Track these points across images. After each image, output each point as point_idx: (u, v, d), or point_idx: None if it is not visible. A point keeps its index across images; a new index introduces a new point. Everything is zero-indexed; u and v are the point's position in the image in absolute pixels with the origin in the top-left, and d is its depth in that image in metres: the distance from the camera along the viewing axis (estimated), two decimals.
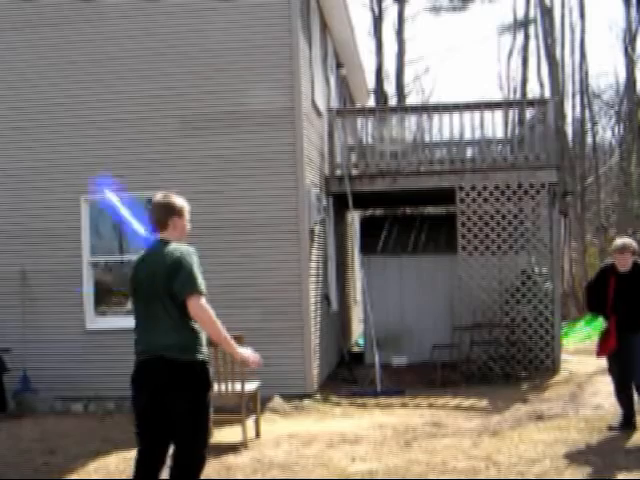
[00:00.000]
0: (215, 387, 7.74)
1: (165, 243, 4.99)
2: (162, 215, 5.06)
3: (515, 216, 12.27)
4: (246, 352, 5.09)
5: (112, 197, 5.57)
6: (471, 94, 58.69)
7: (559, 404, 9.53)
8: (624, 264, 7.63)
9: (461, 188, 12.31)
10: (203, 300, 4.80)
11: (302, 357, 10.30)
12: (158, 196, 5.22)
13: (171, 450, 5.02)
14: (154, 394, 4.99)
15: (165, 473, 5.06)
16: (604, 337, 7.81)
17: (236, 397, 7.79)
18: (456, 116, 12.83)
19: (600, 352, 7.90)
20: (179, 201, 5.17)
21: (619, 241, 7.83)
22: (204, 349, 4.95)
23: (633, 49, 23.67)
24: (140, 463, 5.13)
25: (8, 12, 10.95)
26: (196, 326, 4.88)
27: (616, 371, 7.79)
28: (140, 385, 5.14)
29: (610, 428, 7.71)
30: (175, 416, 4.90)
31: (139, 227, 5.45)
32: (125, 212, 5.57)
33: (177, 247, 4.94)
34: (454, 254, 12.35)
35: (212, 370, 7.67)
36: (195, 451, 4.95)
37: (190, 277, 4.81)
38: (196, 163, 10.46)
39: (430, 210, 21.20)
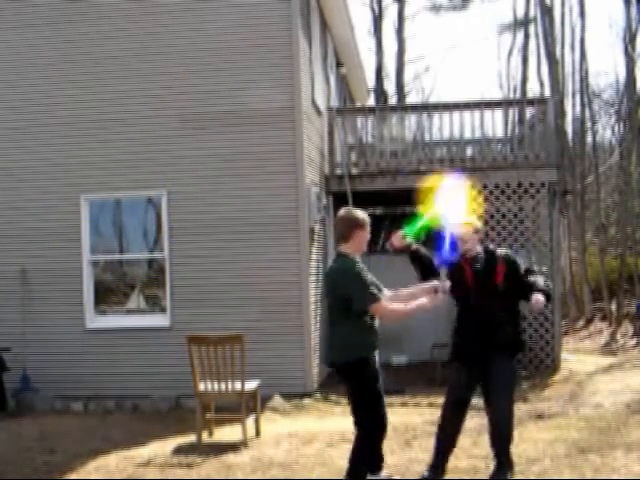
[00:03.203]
0: (215, 386, 7.76)
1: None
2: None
3: (515, 215, 12.27)
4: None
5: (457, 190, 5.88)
6: (471, 93, 58.71)
7: (559, 403, 9.52)
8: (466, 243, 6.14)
9: None
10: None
11: (302, 356, 10.30)
12: (342, 211, 5.73)
13: None
14: None
15: None
16: None
17: (236, 396, 7.79)
18: (456, 115, 12.82)
19: None
20: (361, 215, 5.63)
21: None
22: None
23: (633, 48, 23.63)
24: None
25: (5, 11, 10.96)
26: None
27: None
28: None
29: None
30: None
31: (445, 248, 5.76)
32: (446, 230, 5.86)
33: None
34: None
35: (212, 369, 7.71)
36: None
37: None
38: (196, 162, 10.46)
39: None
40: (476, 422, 8.51)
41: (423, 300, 5.59)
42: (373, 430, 5.62)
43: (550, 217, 12.35)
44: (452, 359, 6.10)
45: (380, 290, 5.56)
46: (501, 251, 6.12)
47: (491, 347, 5.80)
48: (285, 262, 10.34)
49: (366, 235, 5.62)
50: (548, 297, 5.73)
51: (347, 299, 5.40)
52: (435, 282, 5.68)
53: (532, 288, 5.71)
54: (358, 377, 5.56)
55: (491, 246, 6.28)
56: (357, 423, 5.63)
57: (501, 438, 5.84)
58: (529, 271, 6.03)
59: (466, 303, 5.96)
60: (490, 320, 5.81)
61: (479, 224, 6.30)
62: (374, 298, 5.39)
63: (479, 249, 6.02)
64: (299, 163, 10.37)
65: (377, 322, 5.59)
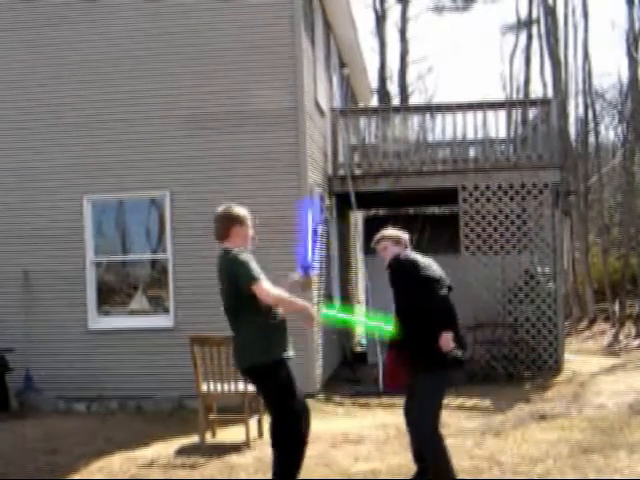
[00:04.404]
0: (218, 387, 7.76)
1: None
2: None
3: (518, 216, 12.26)
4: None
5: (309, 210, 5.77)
6: (474, 94, 58.69)
7: (562, 404, 9.51)
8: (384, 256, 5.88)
9: (464, 188, 12.30)
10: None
11: (305, 357, 10.27)
12: (219, 209, 5.60)
13: None
14: None
15: None
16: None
17: (239, 397, 7.79)
18: (459, 116, 12.82)
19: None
20: (239, 212, 5.51)
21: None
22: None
23: (636, 49, 23.56)
24: None
25: (20, 10, 10.97)
26: None
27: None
28: None
29: None
30: None
31: (309, 251, 5.64)
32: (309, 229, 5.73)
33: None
34: (457, 254, 12.33)
35: (215, 370, 7.71)
36: None
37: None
38: (199, 163, 10.47)
39: (433, 210, 21.19)
40: (478, 423, 8.53)
41: (307, 304, 5.41)
42: (288, 446, 5.23)
43: (553, 218, 12.34)
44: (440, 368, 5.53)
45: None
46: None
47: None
48: (288, 263, 10.31)
49: (247, 231, 5.44)
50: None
51: (237, 288, 5.19)
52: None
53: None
54: (266, 384, 5.29)
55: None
56: (272, 435, 5.28)
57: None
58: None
59: None
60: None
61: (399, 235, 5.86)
62: (257, 277, 5.13)
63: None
64: (302, 164, 10.38)
65: (283, 321, 5.36)
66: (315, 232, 5.77)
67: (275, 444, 5.25)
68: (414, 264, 5.52)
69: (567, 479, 6.10)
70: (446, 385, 5.54)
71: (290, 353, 5.38)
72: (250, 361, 5.29)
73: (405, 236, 5.86)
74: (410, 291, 5.48)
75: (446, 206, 17.60)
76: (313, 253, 5.65)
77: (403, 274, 5.55)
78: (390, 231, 5.90)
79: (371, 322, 5.51)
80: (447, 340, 5.25)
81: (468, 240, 12.22)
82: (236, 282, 5.19)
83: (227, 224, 5.42)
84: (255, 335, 5.24)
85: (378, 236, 5.85)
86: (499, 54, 69.30)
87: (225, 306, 5.38)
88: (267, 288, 5.14)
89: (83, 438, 8.29)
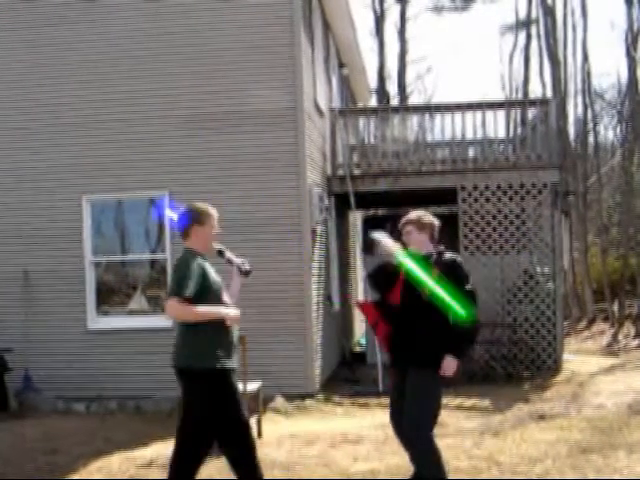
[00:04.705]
0: None
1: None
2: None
3: (517, 216, 12.26)
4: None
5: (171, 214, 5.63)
6: (473, 94, 58.77)
7: (561, 404, 9.51)
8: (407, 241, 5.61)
9: (463, 188, 12.30)
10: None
11: (304, 357, 10.30)
12: (183, 207, 5.37)
13: None
14: None
15: None
16: None
17: None
18: (458, 116, 12.82)
19: None
20: (202, 211, 5.30)
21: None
22: None
23: (635, 49, 23.59)
24: None
25: (15, 12, 10.97)
26: None
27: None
28: None
29: None
30: None
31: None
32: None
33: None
34: (456, 254, 12.31)
35: None
36: None
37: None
38: (198, 163, 10.47)
39: (432, 210, 21.16)
40: (477, 423, 8.53)
41: (222, 311, 5.08)
42: (187, 458, 5.09)
43: (552, 218, 12.34)
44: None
45: (219, 291, 5.16)
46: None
47: None
48: (287, 263, 10.34)
49: (207, 231, 5.20)
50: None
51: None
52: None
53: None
54: (193, 391, 5.05)
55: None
56: (178, 438, 5.11)
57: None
58: None
59: None
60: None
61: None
62: (178, 292, 4.84)
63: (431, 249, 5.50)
64: (301, 164, 10.38)
65: (234, 329, 5.18)
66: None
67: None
68: (467, 277, 5.48)
69: (566, 479, 6.11)
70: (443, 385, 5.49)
71: (233, 364, 5.11)
72: (185, 362, 5.10)
73: (431, 222, 5.55)
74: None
75: (445, 206, 17.58)
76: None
77: (457, 279, 5.39)
78: (415, 214, 5.57)
79: (445, 297, 5.21)
80: (451, 366, 5.19)
81: (467, 240, 12.22)
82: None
83: (188, 223, 5.22)
84: (194, 338, 5.03)
85: (404, 219, 5.58)
86: (498, 54, 69.19)
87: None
88: (173, 307, 4.87)
89: (82, 438, 8.29)
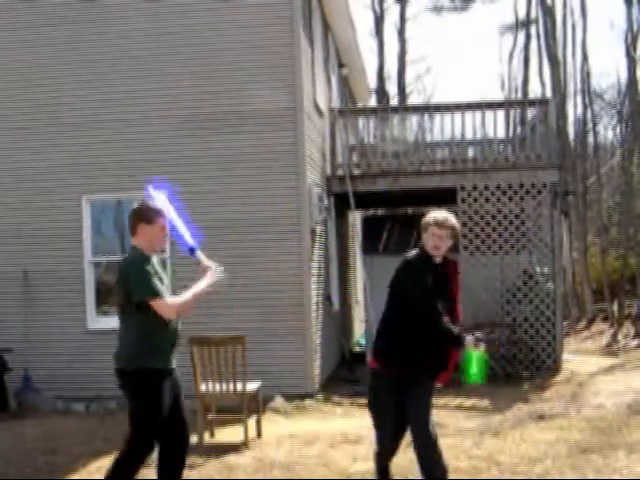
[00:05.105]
0: (217, 387, 7.76)
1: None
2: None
3: (517, 216, 12.27)
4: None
5: (160, 197, 5.49)
6: (472, 94, 58.79)
7: (561, 404, 9.51)
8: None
9: (463, 188, 12.31)
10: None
11: (303, 357, 10.31)
12: (134, 204, 5.27)
13: None
14: None
15: None
16: None
17: (238, 397, 7.79)
18: (457, 116, 12.82)
19: None
20: (150, 209, 5.17)
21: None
22: None
23: (634, 49, 23.61)
24: None
25: (15, 12, 10.96)
26: None
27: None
28: None
29: None
30: None
31: (186, 233, 5.38)
32: (174, 214, 5.47)
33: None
34: (456, 254, 12.32)
35: (214, 370, 7.71)
36: None
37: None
38: (198, 163, 10.47)
39: (432, 210, 21.13)
40: (477, 423, 8.53)
41: (201, 283, 5.06)
42: (136, 452, 4.95)
43: (551, 218, 12.35)
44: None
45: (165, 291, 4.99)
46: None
47: None
48: (286, 263, 10.34)
49: (155, 230, 5.08)
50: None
51: (129, 292, 4.85)
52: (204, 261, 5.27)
53: None
54: (136, 391, 4.91)
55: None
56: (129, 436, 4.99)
57: None
58: None
59: None
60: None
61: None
62: (155, 292, 4.81)
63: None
64: (301, 164, 10.38)
65: (174, 325, 5.02)
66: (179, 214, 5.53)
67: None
68: (398, 274, 5.36)
69: (566, 479, 6.11)
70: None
71: (171, 364, 5.02)
72: (125, 363, 4.96)
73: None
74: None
75: (445, 206, 17.59)
76: (192, 233, 5.33)
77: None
78: (454, 220, 5.28)
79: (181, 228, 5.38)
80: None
81: (467, 240, 12.22)
82: (129, 288, 4.87)
83: (133, 220, 5.10)
84: (138, 338, 4.91)
85: (443, 218, 5.23)
86: (497, 54, 69.52)
87: (117, 301, 5.13)
88: (167, 304, 4.86)
89: (82, 438, 8.29)
